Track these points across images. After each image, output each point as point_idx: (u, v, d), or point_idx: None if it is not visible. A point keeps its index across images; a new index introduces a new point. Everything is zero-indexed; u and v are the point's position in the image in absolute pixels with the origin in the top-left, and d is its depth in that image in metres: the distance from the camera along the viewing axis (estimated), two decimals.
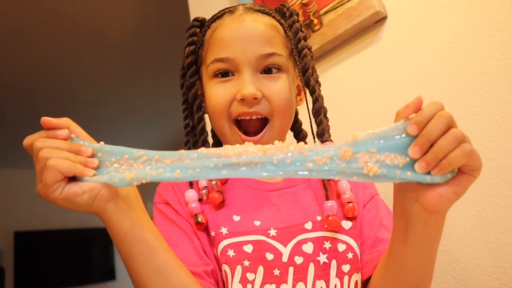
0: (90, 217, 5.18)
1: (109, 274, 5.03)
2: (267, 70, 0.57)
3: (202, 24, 0.64)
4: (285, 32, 0.61)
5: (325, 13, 0.98)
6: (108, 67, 2.98)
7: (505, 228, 0.69)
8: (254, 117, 0.57)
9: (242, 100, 0.55)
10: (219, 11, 0.62)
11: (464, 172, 0.38)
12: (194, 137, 0.62)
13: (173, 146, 4.98)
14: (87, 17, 2.39)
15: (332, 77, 1.02)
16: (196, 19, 0.65)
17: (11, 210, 4.58)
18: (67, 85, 3.13)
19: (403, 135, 0.38)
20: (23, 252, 4.49)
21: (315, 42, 1.00)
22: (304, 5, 1.04)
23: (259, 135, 0.57)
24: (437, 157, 0.37)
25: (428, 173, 0.38)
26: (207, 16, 0.65)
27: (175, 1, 2.29)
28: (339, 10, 0.95)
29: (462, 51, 0.77)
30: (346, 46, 0.98)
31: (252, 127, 0.58)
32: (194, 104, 0.62)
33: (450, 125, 0.37)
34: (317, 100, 0.60)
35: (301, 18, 1.04)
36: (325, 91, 1.03)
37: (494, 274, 0.69)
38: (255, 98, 0.55)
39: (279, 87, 0.57)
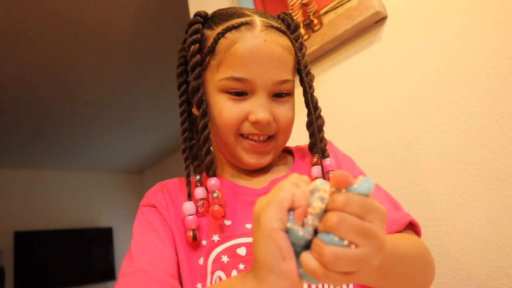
0: (90, 217, 5.19)
1: (109, 274, 5.03)
2: (278, 94, 0.58)
3: (205, 20, 0.62)
4: (295, 52, 0.60)
5: (325, 13, 0.98)
6: (108, 67, 2.98)
7: (505, 228, 0.69)
8: (261, 138, 0.58)
9: (255, 123, 0.56)
10: (233, 18, 0.58)
11: None
12: (191, 141, 0.62)
13: (173, 146, 4.97)
14: (87, 17, 2.39)
15: (332, 77, 1.02)
16: (198, 14, 0.62)
17: (11, 210, 4.58)
18: (67, 85, 3.13)
19: None
20: (23, 252, 4.49)
21: (315, 42, 1.00)
22: (304, 5, 1.04)
23: (265, 143, 0.59)
24: None
25: None
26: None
27: (175, 1, 2.29)
28: (339, 10, 0.95)
29: (462, 51, 0.77)
30: (346, 46, 0.98)
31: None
32: (200, 109, 0.59)
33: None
34: (319, 117, 0.61)
35: (301, 18, 1.04)
36: (325, 91, 1.04)
37: (494, 274, 0.69)
38: (267, 123, 0.56)
39: (287, 109, 0.59)
